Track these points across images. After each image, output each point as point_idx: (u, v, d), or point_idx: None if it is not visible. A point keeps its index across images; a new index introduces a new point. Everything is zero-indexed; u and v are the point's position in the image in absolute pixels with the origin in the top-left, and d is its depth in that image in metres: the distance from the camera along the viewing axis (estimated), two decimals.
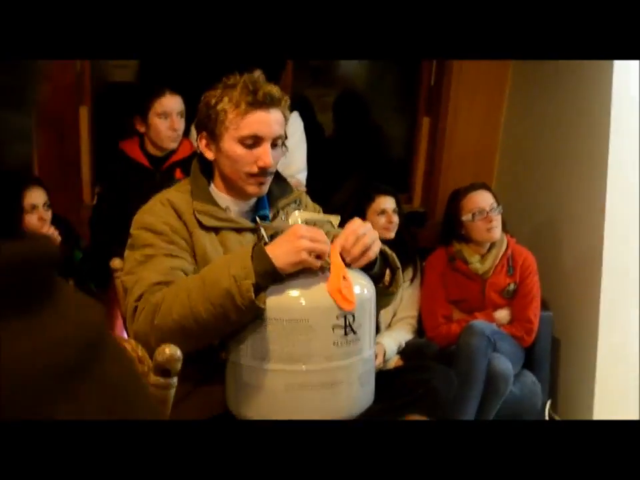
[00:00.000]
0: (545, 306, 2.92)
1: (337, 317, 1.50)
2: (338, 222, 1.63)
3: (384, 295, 1.70)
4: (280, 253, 1.48)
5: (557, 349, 2.97)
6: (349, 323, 1.51)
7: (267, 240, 1.65)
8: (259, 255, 1.49)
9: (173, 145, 2.86)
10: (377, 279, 1.66)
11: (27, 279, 0.43)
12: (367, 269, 1.63)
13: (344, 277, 1.52)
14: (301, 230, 1.50)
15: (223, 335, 1.57)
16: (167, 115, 2.81)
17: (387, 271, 1.71)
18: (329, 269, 1.53)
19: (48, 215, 2.62)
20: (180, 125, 2.84)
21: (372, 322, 1.61)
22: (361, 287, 1.56)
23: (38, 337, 0.42)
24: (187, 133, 2.93)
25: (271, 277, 1.49)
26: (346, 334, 1.51)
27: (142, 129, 2.85)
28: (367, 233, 1.57)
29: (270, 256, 1.48)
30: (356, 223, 1.59)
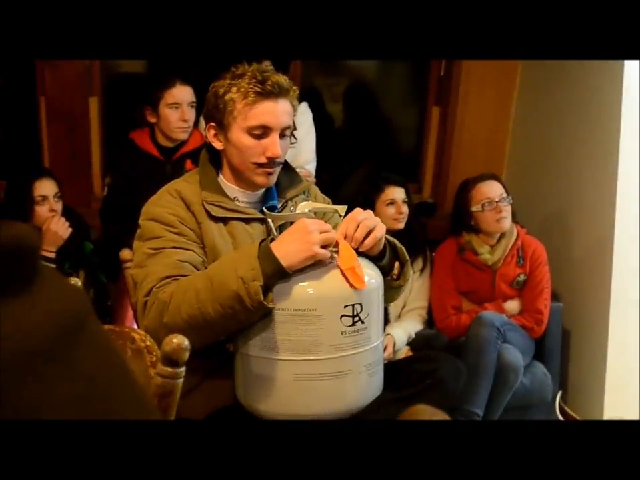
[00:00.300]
0: (555, 297, 2.91)
1: (345, 307, 1.50)
2: (344, 212, 1.63)
3: (391, 288, 1.70)
4: (289, 250, 1.48)
5: (567, 340, 2.96)
6: (357, 312, 1.51)
7: (274, 231, 1.64)
8: (265, 254, 1.49)
9: (184, 136, 2.86)
10: (385, 271, 1.66)
11: (4, 265, 0.44)
12: (375, 260, 1.63)
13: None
14: (308, 225, 1.50)
15: (232, 332, 1.58)
16: (178, 106, 2.80)
17: (396, 264, 1.71)
18: (335, 257, 1.53)
19: (58, 206, 2.63)
20: (190, 115, 2.84)
21: (380, 312, 1.61)
22: (369, 277, 1.56)
23: (9, 321, 0.42)
24: (197, 123, 2.93)
25: (279, 276, 1.49)
26: (354, 323, 1.51)
27: (152, 120, 2.85)
28: (368, 217, 1.57)
29: (278, 255, 1.48)
30: (355, 211, 1.60)
